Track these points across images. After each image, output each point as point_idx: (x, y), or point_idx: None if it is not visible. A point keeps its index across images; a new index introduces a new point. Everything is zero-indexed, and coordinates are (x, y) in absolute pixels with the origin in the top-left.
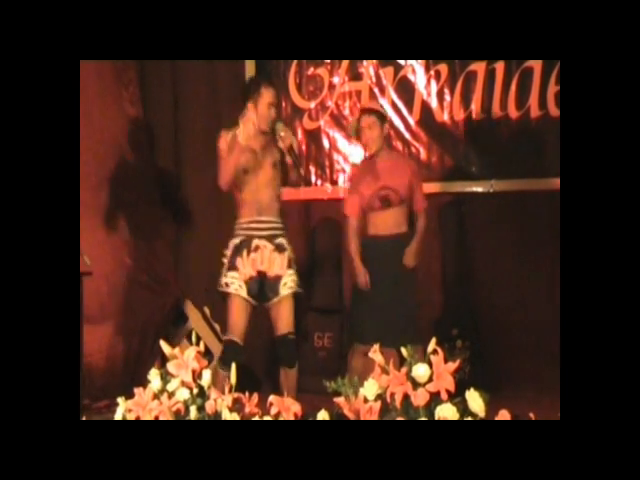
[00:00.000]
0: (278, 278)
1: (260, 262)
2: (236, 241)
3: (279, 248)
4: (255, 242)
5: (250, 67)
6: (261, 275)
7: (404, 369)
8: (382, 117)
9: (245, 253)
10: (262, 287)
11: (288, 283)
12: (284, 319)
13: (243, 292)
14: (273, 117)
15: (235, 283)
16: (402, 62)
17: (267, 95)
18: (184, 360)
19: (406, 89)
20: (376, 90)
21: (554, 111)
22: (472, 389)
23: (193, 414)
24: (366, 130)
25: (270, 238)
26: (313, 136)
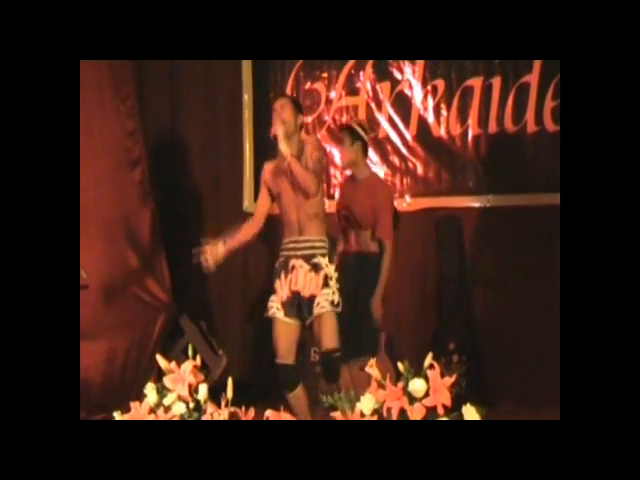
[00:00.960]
0: (312, 298)
1: (295, 283)
2: (276, 264)
3: (315, 268)
4: (292, 262)
5: (247, 79)
6: (295, 295)
7: (400, 384)
8: (354, 134)
9: (283, 275)
10: (299, 306)
11: (321, 303)
12: (325, 336)
13: (280, 314)
14: (281, 127)
15: (274, 307)
16: (399, 77)
17: (275, 106)
18: (180, 374)
19: (403, 104)
20: (373, 105)
21: (551, 126)
22: (469, 404)
23: None
24: (340, 145)
25: (307, 258)
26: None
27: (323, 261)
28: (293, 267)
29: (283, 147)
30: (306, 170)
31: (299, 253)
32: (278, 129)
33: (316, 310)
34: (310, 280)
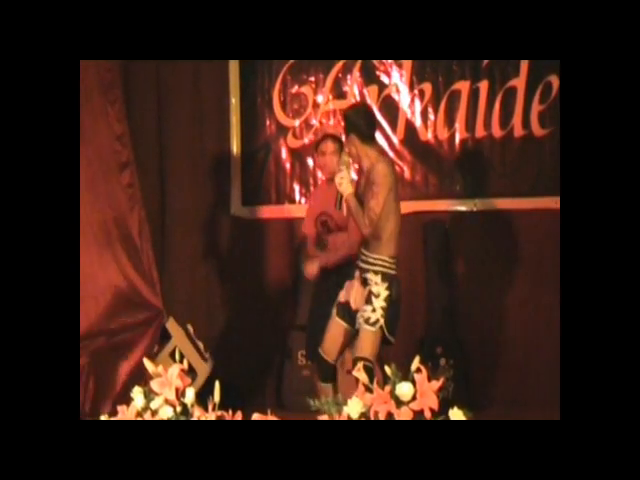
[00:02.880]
0: (357, 311)
1: (348, 293)
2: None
3: (364, 282)
4: (355, 272)
5: (234, 82)
6: (346, 302)
7: (388, 387)
8: (341, 143)
9: (348, 282)
10: (349, 313)
11: (359, 318)
12: (361, 344)
13: (334, 311)
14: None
15: (334, 303)
16: (386, 81)
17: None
18: (167, 378)
19: (390, 108)
20: None
21: (537, 130)
22: (455, 408)
23: None
24: (325, 155)
25: (362, 271)
26: (297, 154)
27: (373, 278)
28: (352, 278)
29: (344, 188)
30: (361, 211)
31: (360, 266)
32: (344, 170)
33: (357, 323)
34: (360, 294)
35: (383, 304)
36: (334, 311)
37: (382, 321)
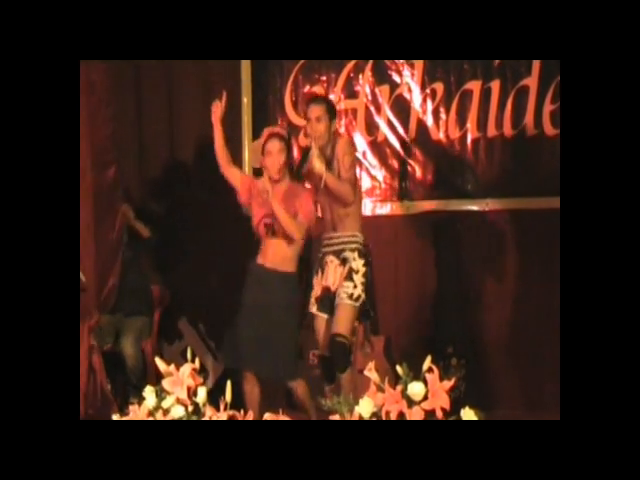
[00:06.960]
0: (336, 290)
1: (325, 279)
2: (317, 259)
3: (343, 262)
4: (325, 258)
5: (246, 82)
6: (325, 290)
7: (399, 387)
8: (287, 142)
9: (319, 271)
10: (329, 301)
11: (340, 294)
12: (337, 321)
13: (314, 308)
14: (316, 147)
15: (310, 302)
16: (398, 80)
17: (309, 114)
18: (179, 377)
19: (402, 107)
20: (372, 108)
21: (549, 130)
22: (467, 407)
23: None
24: (272, 155)
25: (337, 253)
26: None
27: (351, 255)
28: (326, 263)
29: (317, 164)
30: (340, 182)
31: (331, 249)
32: (313, 149)
33: (336, 301)
34: (339, 275)
35: (363, 279)
36: (314, 309)
37: (364, 296)
